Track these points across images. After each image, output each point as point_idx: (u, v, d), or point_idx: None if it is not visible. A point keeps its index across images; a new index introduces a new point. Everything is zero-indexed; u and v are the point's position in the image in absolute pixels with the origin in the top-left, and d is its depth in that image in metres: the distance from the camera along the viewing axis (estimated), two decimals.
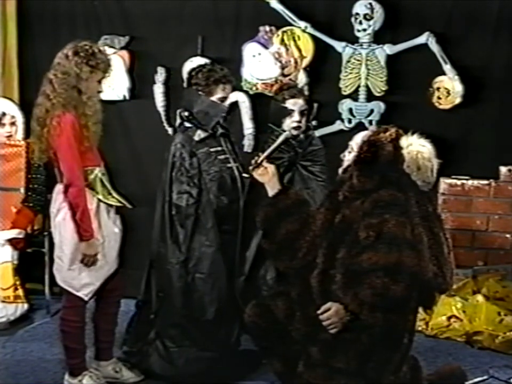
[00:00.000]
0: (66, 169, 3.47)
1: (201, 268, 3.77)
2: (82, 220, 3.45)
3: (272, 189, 3.33)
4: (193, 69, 3.99)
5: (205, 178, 3.79)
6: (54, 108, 3.45)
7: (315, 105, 4.75)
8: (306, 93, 4.88)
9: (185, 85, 4.06)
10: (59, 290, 3.76)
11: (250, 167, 3.38)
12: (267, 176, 3.34)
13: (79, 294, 3.55)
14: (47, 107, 3.47)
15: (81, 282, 3.54)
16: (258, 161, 3.34)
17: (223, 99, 3.88)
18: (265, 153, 3.37)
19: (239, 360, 3.86)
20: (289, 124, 4.09)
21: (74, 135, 3.43)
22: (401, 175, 3.09)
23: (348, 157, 3.28)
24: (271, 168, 3.35)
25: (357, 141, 3.26)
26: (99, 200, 3.55)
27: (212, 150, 3.84)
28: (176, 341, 3.79)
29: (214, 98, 3.84)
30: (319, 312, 2.99)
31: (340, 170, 3.31)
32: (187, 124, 3.88)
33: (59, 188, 3.55)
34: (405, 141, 3.13)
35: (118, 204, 3.64)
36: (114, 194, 3.63)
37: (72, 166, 3.46)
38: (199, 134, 3.84)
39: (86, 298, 3.58)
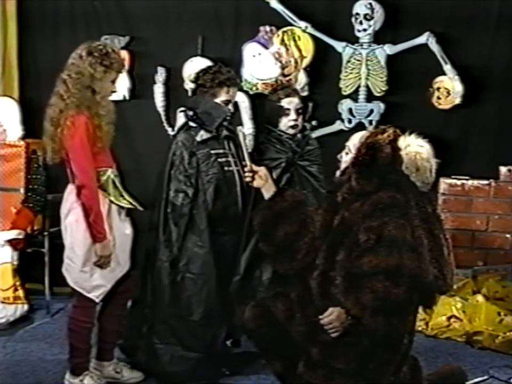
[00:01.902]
0: (79, 171, 3.45)
1: (192, 268, 3.77)
2: (96, 222, 3.44)
3: (267, 192, 3.29)
4: (201, 70, 3.98)
5: (202, 179, 3.78)
6: (67, 108, 3.43)
7: (310, 104, 4.76)
8: (306, 93, 4.89)
9: (191, 85, 4.05)
10: (70, 290, 3.73)
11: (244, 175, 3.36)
12: (260, 180, 3.30)
13: (90, 295, 3.54)
14: (61, 107, 3.45)
15: (92, 284, 3.53)
16: (246, 170, 3.32)
17: (227, 102, 3.86)
18: (246, 159, 3.33)
19: (225, 362, 3.86)
20: (286, 123, 4.10)
21: (88, 136, 3.42)
22: (400, 177, 3.07)
23: (345, 158, 3.23)
24: (262, 171, 3.30)
25: (354, 141, 3.22)
26: (111, 201, 3.55)
27: (212, 151, 3.82)
28: (162, 337, 3.78)
29: (217, 100, 3.83)
30: (321, 317, 2.98)
31: (338, 172, 3.27)
32: (191, 124, 3.88)
33: (71, 188, 3.53)
34: (402, 141, 3.11)
35: (130, 206, 3.62)
36: (126, 196, 3.62)
37: (85, 168, 3.45)
38: (202, 135, 3.83)
39: (97, 300, 3.57)
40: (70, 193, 3.53)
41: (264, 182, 3.30)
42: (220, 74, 3.84)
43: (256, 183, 3.31)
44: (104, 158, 3.55)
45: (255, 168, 3.31)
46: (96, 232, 3.45)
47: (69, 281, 3.57)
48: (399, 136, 3.12)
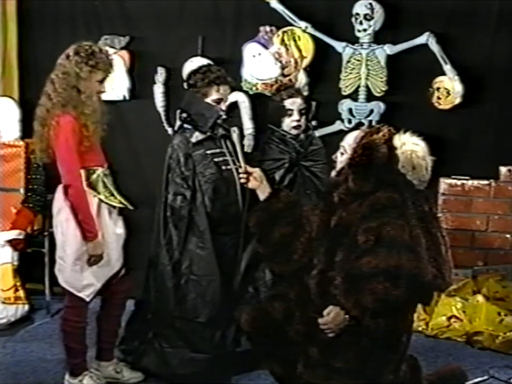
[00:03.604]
0: (65, 170, 3.47)
1: (195, 270, 3.77)
2: (84, 221, 3.46)
3: (262, 193, 3.29)
4: (192, 70, 3.99)
5: (200, 180, 3.77)
6: (54, 107, 3.46)
7: (313, 104, 4.75)
8: (306, 93, 4.89)
9: (185, 86, 4.06)
10: (61, 291, 3.74)
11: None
12: (255, 182, 3.30)
13: (80, 294, 3.55)
14: (48, 107, 3.48)
15: (82, 283, 3.54)
16: (240, 171, 3.32)
17: (219, 100, 3.84)
18: (240, 160, 3.34)
19: (234, 362, 3.85)
20: (289, 123, 4.11)
21: (73, 136, 3.43)
22: (397, 176, 3.06)
23: (341, 159, 3.22)
24: (257, 172, 3.31)
25: (348, 141, 3.20)
26: (100, 200, 3.55)
27: (208, 152, 3.81)
28: (170, 341, 3.79)
29: (209, 99, 3.82)
30: (319, 320, 2.98)
31: (333, 172, 3.26)
32: (186, 125, 3.87)
33: (60, 186, 3.55)
34: (398, 140, 3.10)
35: (120, 205, 3.63)
36: (117, 195, 3.63)
37: (70, 167, 3.46)
38: (197, 136, 3.82)
39: (87, 299, 3.58)
40: (59, 192, 3.55)
41: (259, 183, 3.30)
42: (209, 73, 3.83)
43: (251, 185, 3.32)
44: (93, 157, 3.55)
45: (249, 169, 3.32)
46: (86, 231, 3.46)
47: (60, 281, 3.59)
48: (394, 133, 3.12)
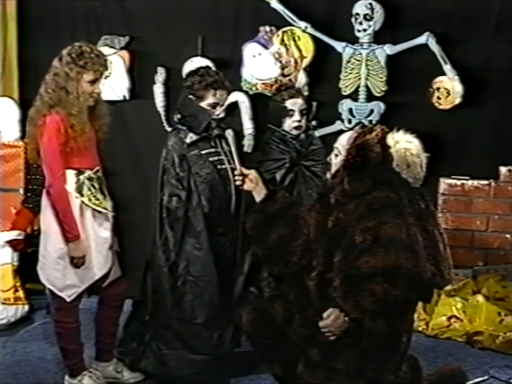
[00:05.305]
0: (47, 170, 3.47)
1: (192, 271, 3.76)
2: (65, 221, 3.45)
3: (258, 194, 3.29)
4: (190, 72, 3.97)
5: (196, 180, 3.75)
6: (43, 108, 3.46)
7: (314, 104, 4.75)
8: (306, 93, 4.89)
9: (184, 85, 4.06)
10: None
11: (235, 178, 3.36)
12: (251, 184, 3.30)
13: (61, 294, 3.54)
14: (38, 107, 3.48)
15: (65, 283, 3.52)
16: (236, 173, 3.32)
17: (215, 104, 3.82)
18: (236, 162, 3.34)
19: (232, 363, 3.85)
20: (290, 124, 4.11)
21: (57, 136, 3.41)
22: (392, 175, 3.06)
23: (335, 161, 3.20)
24: (252, 174, 3.31)
25: (342, 142, 3.19)
26: (83, 203, 3.52)
27: (203, 152, 3.79)
28: (168, 342, 3.78)
29: (204, 103, 3.79)
30: (319, 323, 2.98)
31: (328, 175, 3.25)
32: (180, 126, 3.87)
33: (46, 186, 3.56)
34: (391, 139, 3.10)
35: (100, 209, 3.56)
36: (101, 200, 3.58)
37: (52, 167, 3.45)
38: (191, 137, 3.80)
39: (68, 300, 3.55)
40: (45, 190, 3.56)
41: (254, 185, 3.30)
42: (207, 76, 3.80)
43: (246, 186, 3.31)
44: (82, 159, 3.52)
45: (245, 171, 3.31)
46: (66, 231, 3.46)
47: (42, 279, 3.60)
48: (387, 133, 3.12)
